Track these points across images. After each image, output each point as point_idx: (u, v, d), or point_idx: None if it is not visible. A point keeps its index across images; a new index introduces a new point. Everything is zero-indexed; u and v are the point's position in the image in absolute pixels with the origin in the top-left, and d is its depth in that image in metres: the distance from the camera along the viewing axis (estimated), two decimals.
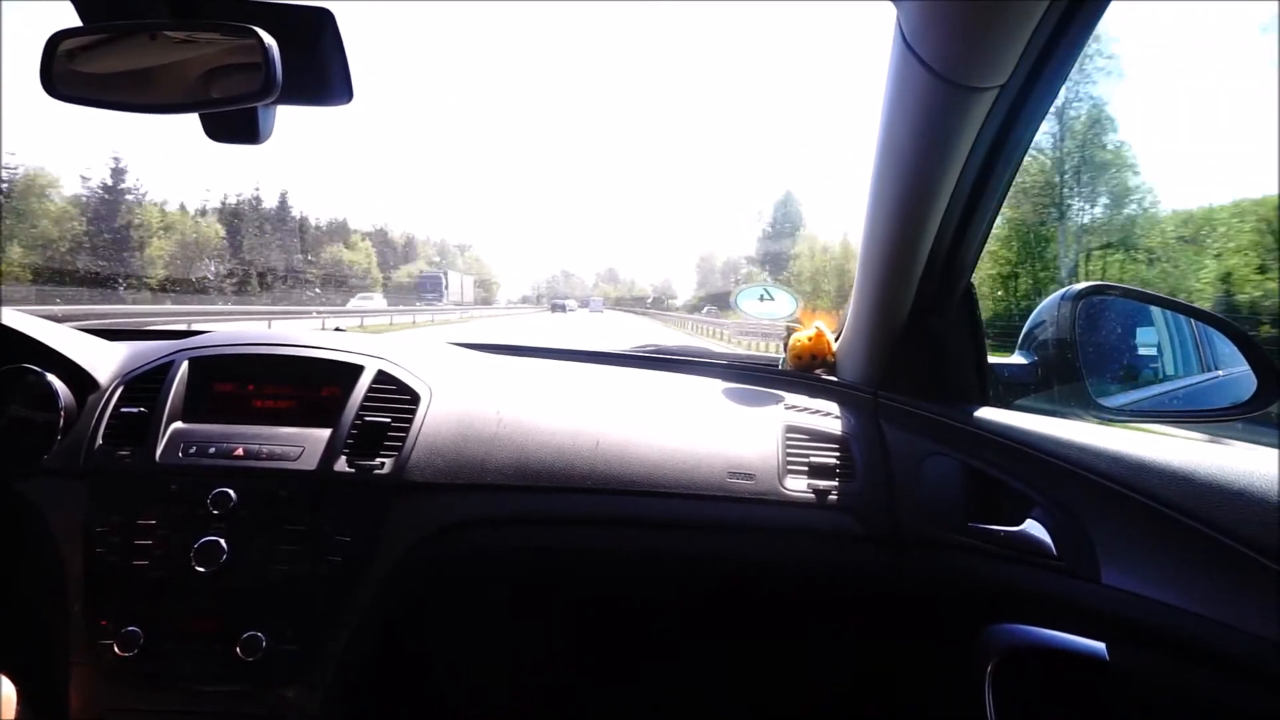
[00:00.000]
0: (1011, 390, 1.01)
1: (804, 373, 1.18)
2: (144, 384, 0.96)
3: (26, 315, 0.99)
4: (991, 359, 1.00)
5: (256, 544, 0.86)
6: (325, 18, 0.70)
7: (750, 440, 0.99)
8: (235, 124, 0.75)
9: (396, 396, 0.97)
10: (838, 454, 0.98)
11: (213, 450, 0.90)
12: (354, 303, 31.15)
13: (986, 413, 0.91)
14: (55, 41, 0.67)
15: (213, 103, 0.72)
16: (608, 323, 31.57)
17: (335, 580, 0.86)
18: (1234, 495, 0.61)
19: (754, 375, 1.18)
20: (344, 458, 0.90)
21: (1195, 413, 1.04)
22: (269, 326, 6.79)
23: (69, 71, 0.68)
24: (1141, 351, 1.09)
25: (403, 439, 0.93)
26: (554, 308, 53.24)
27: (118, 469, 0.89)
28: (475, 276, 65.63)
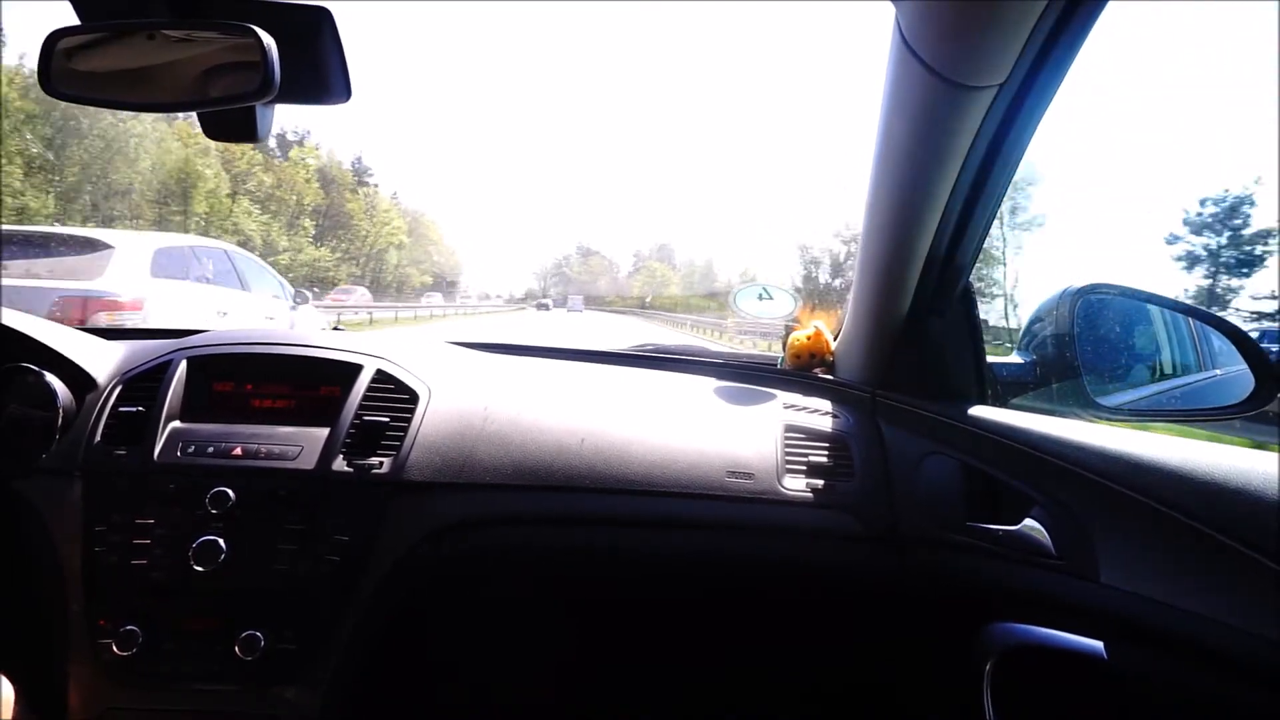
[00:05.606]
0: (1010, 389, 1.01)
1: (802, 372, 1.18)
2: (142, 383, 0.96)
3: (25, 314, 0.99)
4: (990, 358, 1.00)
5: (255, 543, 0.86)
6: (324, 16, 0.70)
7: (749, 439, 0.99)
8: (233, 123, 0.75)
9: (395, 396, 0.97)
10: (836, 453, 0.98)
11: (211, 449, 0.90)
12: None
13: (985, 411, 0.91)
14: (53, 40, 0.66)
15: (211, 101, 0.71)
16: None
17: (334, 579, 0.86)
18: (1232, 493, 0.61)
19: (752, 374, 1.18)
20: (342, 457, 0.90)
21: (1193, 411, 1.04)
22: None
23: (67, 70, 0.68)
24: (1139, 350, 1.09)
25: (401, 438, 0.93)
26: (539, 306, 58.27)
27: (116, 468, 0.88)
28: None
